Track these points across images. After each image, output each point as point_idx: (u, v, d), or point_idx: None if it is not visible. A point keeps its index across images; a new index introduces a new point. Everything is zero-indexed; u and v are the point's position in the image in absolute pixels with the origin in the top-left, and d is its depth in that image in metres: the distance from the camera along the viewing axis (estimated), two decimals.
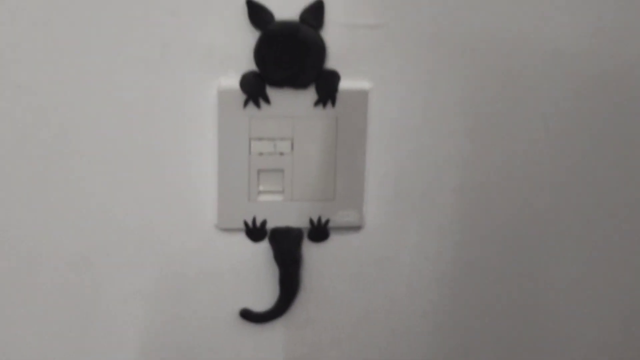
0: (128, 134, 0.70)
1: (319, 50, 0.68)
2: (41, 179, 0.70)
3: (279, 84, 0.69)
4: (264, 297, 0.77)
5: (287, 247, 0.74)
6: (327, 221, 0.74)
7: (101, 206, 0.72)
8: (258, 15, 0.67)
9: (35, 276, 0.74)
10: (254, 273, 0.76)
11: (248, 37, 0.67)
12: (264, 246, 0.75)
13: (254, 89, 0.69)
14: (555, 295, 0.82)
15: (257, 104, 0.69)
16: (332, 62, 0.69)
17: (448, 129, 0.73)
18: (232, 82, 0.69)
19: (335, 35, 0.68)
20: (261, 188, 0.73)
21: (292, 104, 0.70)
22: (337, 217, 0.74)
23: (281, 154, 0.71)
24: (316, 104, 0.70)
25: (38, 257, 0.73)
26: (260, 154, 0.71)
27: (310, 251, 0.76)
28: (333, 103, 0.70)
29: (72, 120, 0.69)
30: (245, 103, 0.69)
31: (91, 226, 0.72)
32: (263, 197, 0.73)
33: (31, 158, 0.69)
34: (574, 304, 0.83)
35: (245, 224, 0.73)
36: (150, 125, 0.70)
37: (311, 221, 0.74)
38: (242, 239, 0.74)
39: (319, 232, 0.75)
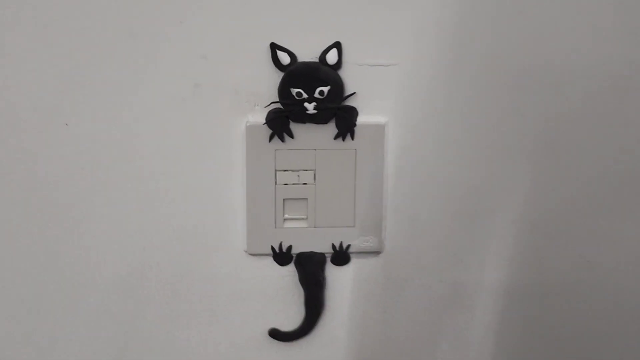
0: (163, 167, 0.74)
1: (338, 88, 0.71)
2: (77, 213, 0.75)
3: (302, 119, 0.72)
4: (291, 318, 0.80)
5: (311, 271, 0.77)
6: (348, 246, 0.77)
7: (138, 233, 0.76)
8: (281, 57, 0.71)
9: (79, 296, 0.78)
10: (281, 295, 0.79)
11: (273, 76, 0.71)
12: (290, 269, 0.78)
13: (279, 124, 0.72)
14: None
15: (282, 139, 0.73)
16: (350, 98, 0.72)
17: (459, 158, 0.76)
18: (259, 118, 0.72)
19: (352, 74, 0.72)
20: (287, 216, 0.76)
21: (314, 138, 0.73)
22: (358, 242, 0.77)
23: (305, 184, 0.75)
24: (336, 137, 0.73)
25: (83, 276, 0.77)
26: (285, 184, 0.74)
27: (333, 274, 0.79)
28: (352, 136, 0.74)
29: (109, 153, 0.73)
30: (271, 137, 0.73)
31: (130, 251, 0.77)
32: (288, 224, 0.76)
33: (68, 193, 0.74)
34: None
35: (272, 249, 0.76)
36: (184, 159, 0.73)
37: (333, 246, 0.77)
38: (270, 263, 0.77)
39: (341, 256, 0.77)
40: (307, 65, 0.71)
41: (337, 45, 0.71)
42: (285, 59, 0.71)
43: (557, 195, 0.79)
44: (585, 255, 0.82)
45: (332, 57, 0.71)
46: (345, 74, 0.72)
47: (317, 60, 0.71)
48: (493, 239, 0.80)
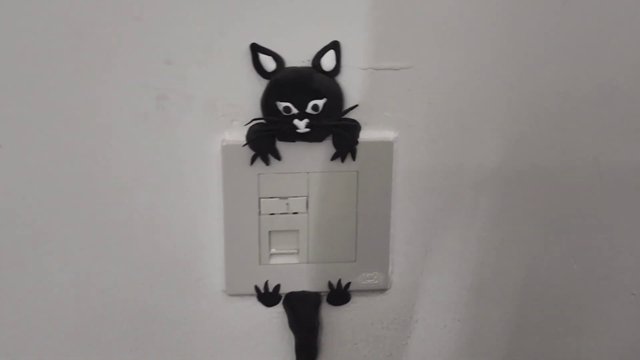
0: (123, 197, 0.64)
1: (336, 100, 0.61)
2: (26, 251, 0.66)
3: (291, 138, 0.62)
4: None
5: (303, 313, 0.69)
6: (348, 284, 0.68)
7: (98, 273, 0.67)
8: (264, 62, 0.60)
9: (34, 344, 0.69)
10: (268, 341, 0.71)
11: (255, 85, 0.61)
12: (278, 311, 0.69)
13: (262, 143, 0.62)
14: None
15: (266, 161, 0.63)
16: (351, 110, 0.63)
17: (481, 181, 0.67)
18: (238, 136, 0.63)
19: (353, 80, 0.62)
20: (273, 250, 0.67)
21: (306, 159, 0.64)
22: (360, 279, 0.68)
23: (295, 213, 0.66)
24: (334, 158, 0.64)
25: (38, 322, 0.68)
26: (272, 213, 0.65)
27: (330, 316, 0.71)
28: (353, 156, 0.64)
29: (55, 182, 0.63)
30: (253, 159, 0.63)
31: (91, 293, 0.68)
32: (276, 260, 0.67)
33: (25, 224, 0.65)
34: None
35: (257, 288, 0.68)
36: (148, 186, 0.64)
37: (330, 284, 0.68)
38: (254, 304, 0.69)
39: (339, 295, 0.69)
40: (298, 72, 0.61)
41: (335, 45, 0.61)
42: (269, 64, 0.60)
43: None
44: None
45: (328, 61, 0.61)
46: (344, 80, 0.62)
47: (309, 65, 0.61)
48: (515, 271, 0.71)
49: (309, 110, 0.60)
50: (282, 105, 0.60)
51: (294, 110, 0.60)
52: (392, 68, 0.62)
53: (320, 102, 0.60)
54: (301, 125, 0.60)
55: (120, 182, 0.64)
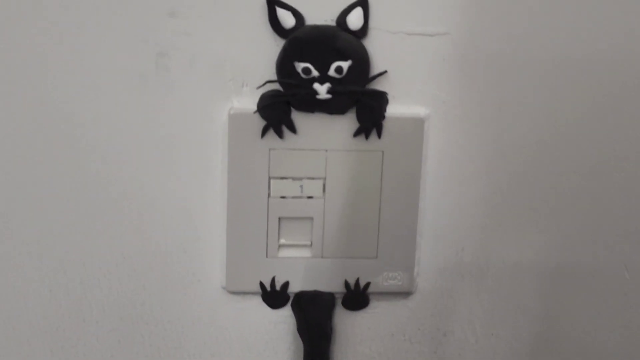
0: (110, 169, 0.60)
1: (362, 64, 0.57)
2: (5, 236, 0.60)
3: (309, 107, 0.58)
4: None
5: (314, 317, 0.64)
6: (368, 284, 0.64)
7: (80, 262, 0.62)
8: (282, 17, 0.55)
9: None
10: (272, 348, 0.66)
11: (270, 44, 0.57)
12: (286, 314, 0.65)
13: (276, 112, 0.58)
14: None
15: (280, 134, 0.58)
16: (378, 80, 0.58)
17: (523, 167, 0.62)
18: (248, 103, 0.58)
19: (381, 46, 0.58)
20: (283, 241, 0.63)
21: (325, 133, 0.60)
22: (381, 280, 0.64)
23: (310, 197, 0.61)
24: (357, 134, 0.59)
25: (11, 319, 0.63)
26: (283, 197, 0.61)
27: (344, 322, 0.66)
28: (379, 133, 0.59)
29: (37, 151, 0.58)
30: (264, 131, 0.58)
31: (71, 290, 0.63)
32: (285, 253, 0.63)
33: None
34: None
35: (262, 286, 0.63)
36: (140, 158, 0.60)
37: (347, 284, 0.63)
38: (258, 304, 0.64)
39: (357, 298, 0.64)
40: (320, 30, 0.57)
41: (363, 2, 0.57)
42: (288, 20, 0.56)
43: None
44: None
45: (355, 20, 0.57)
46: (371, 45, 0.58)
47: (333, 23, 0.57)
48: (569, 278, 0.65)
49: (331, 73, 0.56)
50: (301, 66, 0.55)
51: (315, 73, 0.56)
52: (426, 33, 0.58)
53: (344, 64, 0.56)
54: (322, 90, 0.56)
55: (106, 154, 0.59)
